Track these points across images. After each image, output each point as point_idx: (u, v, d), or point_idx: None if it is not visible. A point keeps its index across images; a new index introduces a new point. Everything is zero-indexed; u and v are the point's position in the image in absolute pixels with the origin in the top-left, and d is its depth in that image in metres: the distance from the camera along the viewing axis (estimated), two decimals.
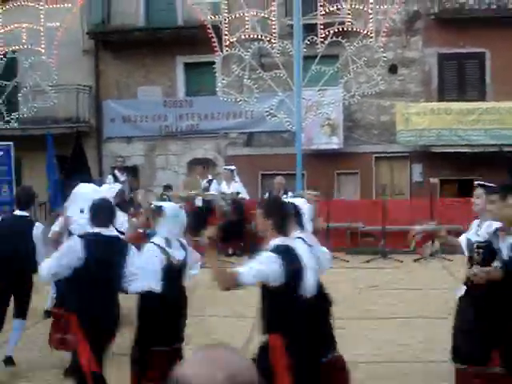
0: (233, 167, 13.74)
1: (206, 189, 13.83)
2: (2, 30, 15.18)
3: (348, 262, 12.44)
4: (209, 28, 13.54)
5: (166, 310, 5.07)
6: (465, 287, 5.24)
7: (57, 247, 5.39)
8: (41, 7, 14.98)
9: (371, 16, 13.31)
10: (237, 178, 13.41)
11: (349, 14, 13.31)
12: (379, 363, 6.63)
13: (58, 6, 15.07)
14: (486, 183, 5.51)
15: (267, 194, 12.15)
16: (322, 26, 13.24)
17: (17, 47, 15.32)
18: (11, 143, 14.39)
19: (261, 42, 13.72)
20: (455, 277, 10.98)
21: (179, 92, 19.00)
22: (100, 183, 9.63)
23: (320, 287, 4.80)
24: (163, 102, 18.54)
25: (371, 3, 13.16)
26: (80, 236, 5.10)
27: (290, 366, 3.98)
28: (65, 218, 6.53)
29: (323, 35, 13.19)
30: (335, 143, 17.48)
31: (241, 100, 14.14)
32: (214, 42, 13.53)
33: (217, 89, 14.43)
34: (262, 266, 4.08)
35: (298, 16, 13.03)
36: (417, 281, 10.79)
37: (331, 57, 14.73)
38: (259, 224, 4.42)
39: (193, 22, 16.79)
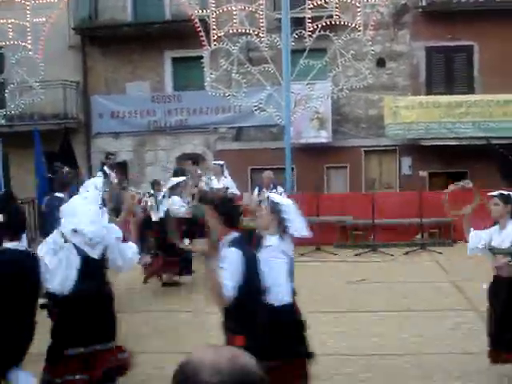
0: (222, 162, 13.69)
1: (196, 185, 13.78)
2: None
3: (337, 255, 12.46)
4: (196, 22, 13.49)
5: (79, 309, 4.93)
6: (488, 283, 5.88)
7: None
8: (27, 2, 14.88)
9: (359, 9, 13.31)
10: (226, 173, 13.37)
11: (337, 7, 13.29)
12: (370, 356, 6.65)
13: (45, 1, 14.97)
14: (503, 192, 6.11)
15: (257, 189, 12.10)
16: (309, 20, 13.22)
17: (3, 43, 15.21)
18: None
19: (249, 36, 13.68)
20: (445, 269, 11.05)
21: (167, 87, 18.93)
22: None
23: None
24: (151, 97, 18.46)
25: None
26: None
27: None
28: None
29: (311, 29, 13.17)
30: (324, 137, 17.48)
31: (229, 94, 14.11)
32: (202, 37, 13.48)
33: (205, 83, 14.39)
34: (235, 274, 4.14)
35: (286, 10, 13.01)
36: (407, 274, 10.82)
37: (319, 50, 14.72)
38: (210, 221, 4.48)
39: (181, 17, 16.72)
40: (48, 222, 8.03)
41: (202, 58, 14.03)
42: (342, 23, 13.44)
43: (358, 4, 13.27)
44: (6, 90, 15.72)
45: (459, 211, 6.42)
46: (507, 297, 5.50)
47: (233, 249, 4.21)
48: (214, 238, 4.41)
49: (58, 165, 12.48)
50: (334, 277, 10.57)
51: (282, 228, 4.78)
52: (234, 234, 4.37)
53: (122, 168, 16.62)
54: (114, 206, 7.13)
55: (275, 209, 4.81)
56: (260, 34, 13.45)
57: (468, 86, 17.98)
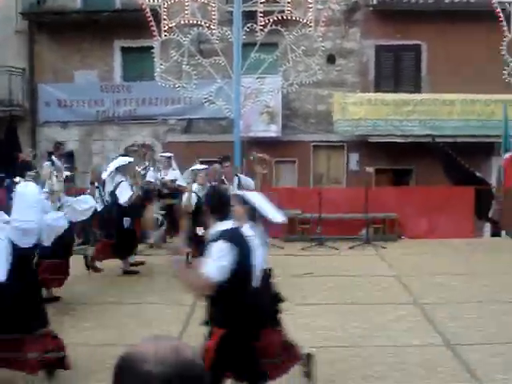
0: (170, 154, 13.61)
1: (143, 176, 13.66)
2: None
3: (283, 248, 12.53)
4: (147, 12, 13.34)
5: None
6: None
7: None
8: None
9: (311, 5, 13.39)
10: (174, 165, 13.30)
11: (289, 2, 13.33)
12: (317, 349, 6.72)
13: None
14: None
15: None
16: (261, 14, 13.23)
17: None
18: None
19: (200, 28, 13.61)
20: (389, 264, 11.26)
21: (116, 77, 18.70)
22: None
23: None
24: (100, 86, 18.20)
25: None
26: None
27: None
28: None
29: (263, 23, 13.19)
30: (273, 131, 17.57)
31: (179, 86, 14.02)
32: (153, 27, 13.34)
33: (155, 74, 14.25)
34: (223, 261, 4.10)
35: (238, 3, 12.99)
36: (352, 268, 10.97)
37: (270, 45, 14.75)
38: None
39: (131, 6, 16.52)
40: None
41: (152, 48, 13.91)
42: (294, 18, 13.49)
43: (309, 0, 13.35)
44: None
45: None
46: None
47: (221, 240, 4.18)
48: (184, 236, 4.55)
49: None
50: (280, 270, 10.64)
51: (253, 217, 4.90)
52: (225, 226, 4.35)
53: (68, 158, 16.35)
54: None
55: (245, 201, 4.92)
56: (211, 27, 13.39)
57: (415, 84, 18.33)
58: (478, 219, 14.77)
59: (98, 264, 10.09)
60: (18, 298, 5.10)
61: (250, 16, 13.70)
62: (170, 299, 8.67)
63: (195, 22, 13.51)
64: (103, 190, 13.29)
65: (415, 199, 14.36)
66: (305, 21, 13.34)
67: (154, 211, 11.18)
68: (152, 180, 13.53)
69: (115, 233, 10.07)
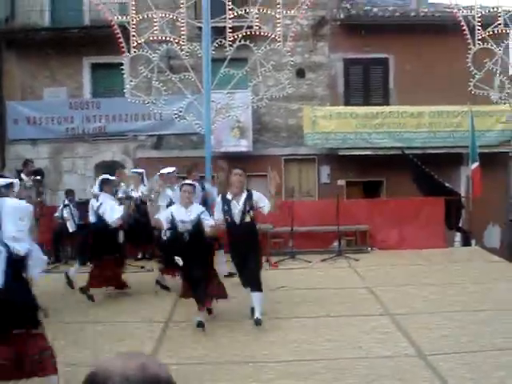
0: (141, 170, 13.56)
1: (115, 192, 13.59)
2: None
3: None
4: (116, 29, 13.31)
5: None
6: None
7: None
8: None
9: (279, 21, 13.48)
10: (146, 181, 13.24)
11: (257, 18, 13.42)
12: (289, 362, 6.73)
13: None
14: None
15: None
16: (230, 30, 13.29)
17: None
18: None
19: (169, 44, 13.62)
20: (361, 276, 11.32)
21: (86, 93, 18.61)
22: None
23: None
24: (69, 103, 18.08)
25: (279, 8, 13.32)
26: None
27: None
28: None
29: (232, 38, 13.25)
30: (244, 146, 17.61)
31: (149, 102, 14.00)
32: (122, 43, 13.32)
33: (125, 90, 14.21)
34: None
35: (207, 19, 13.03)
36: (324, 280, 11.01)
37: (240, 60, 14.83)
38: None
39: (100, 23, 16.48)
40: None
41: (121, 64, 13.84)
42: (262, 34, 13.57)
43: (277, 15, 13.45)
44: None
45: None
46: None
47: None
48: None
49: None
50: None
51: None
52: None
53: (38, 175, 16.19)
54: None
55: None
56: (181, 42, 13.41)
57: (383, 97, 18.55)
58: (448, 229, 14.94)
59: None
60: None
61: (218, 32, 13.76)
62: (143, 317, 8.62)
63: (164, 37, 13.52)
64: (76, 210, 13.23)
65: (386, 211, 14.49)
66: (273, 36, 13.42)
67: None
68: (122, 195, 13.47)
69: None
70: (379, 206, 15.14)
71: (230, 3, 13.35)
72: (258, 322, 7.79)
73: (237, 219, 8.07)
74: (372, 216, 14.26)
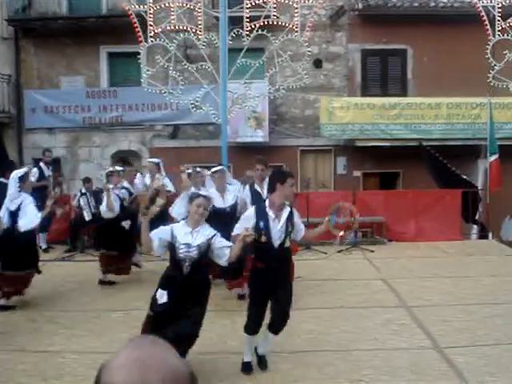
0: (158, 160, 13.56)
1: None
2: None
3: None
4: (133, 18, 13.31)
5: None
6: None
7: None
8: None
9: (297, 11, 13.40)
10: (162, 171, 13.26)
11: (274, 7, 13.34)
12: (304, 352, 6.73)
13: None
14: None
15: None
16: (247, 19, 13.23)
17: None
18: None
19: (186, 34, 13.59)
20: (377, 267, 11.29)
21: (103, 82, 18.64)
22: None
23: None
24: (86, 92, 18.13)
25: None
26: None
27: None
28: None
29: (249, 28, 13.19)
30: (261, 136, 17.58)
31: (166, 92, 13.99)
32: (139, 33, 13.31)
33: (141, 80, 14.22)
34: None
35: (224, 8, 12.99)
36: (340, 271, 10.99)
37: (257, 50, 14.77)
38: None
39: (117, 12, 16.50)
40: None
41: (138, 54, 13.83)
42: (280, 24, 13.50)
43: (295, 5, 13.36)
44: None
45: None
46: None
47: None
48: None
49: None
50: None
51: None
52: None
53: (56, 164, 16.29)
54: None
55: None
56: (198, 32, 13.37)
57: (401, 88, 18.41)
58: (465, 222, 14.84)
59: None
60: None
61: (236, 21, 13.71)
62: None
63: (181, 27, 13.48)
64: (92, 198, 13.29)
65: (402, 203, 14.41)
66: (291, 26, 13.35)
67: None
68: (140, 186, 13.52)
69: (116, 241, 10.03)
70: (396, 197, 15.04)
71: None
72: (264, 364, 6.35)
73: (276, 241, 6.09)
74: (388, 208, 14.20)
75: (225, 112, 13.03)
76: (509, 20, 13.17)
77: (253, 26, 13.19)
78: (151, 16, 13.32)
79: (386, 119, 17.02)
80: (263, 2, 13.42)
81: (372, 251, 12.76)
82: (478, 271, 10.69)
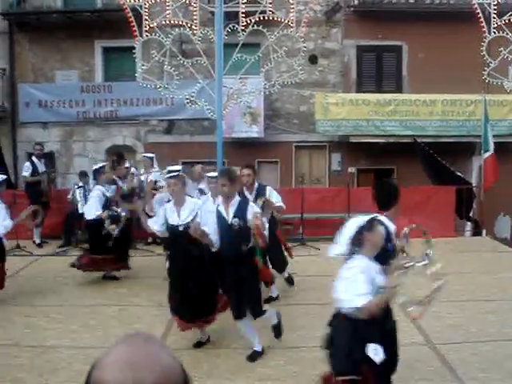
0: (152, 155, 13.57)
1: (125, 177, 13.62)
2: None
3: None
4: (128, 12, 13.26)
5: None
6: None
7: None
8: None
9: (292, 6, 13.38)
10: (156, 166, 13.25)
11: (270, 3, 13.32)
12: (297, 348, 6.75)
13: None
14: None
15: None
16: (243, 15, 13.21)
17: None
18: None
19: (182, 29, 13.56)
20: None
21: (98, 77, 18.58)
22: None
23: None
24: (81, 86, 18.07)
25: None
26: None
27: None
28: None
29: (244, 23, 13.17)
30: (256, 132, 17.57)
31: (161, 86, 13.95)
32: (134, 27, 13.27)
33: (136, 74, 14.18)
34: None
35: (220, 3, 12.96)
36: (333, 267, 10.98)
37: (252, 45, 14.77)
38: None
39: (112, 6, 16.45)
40: None
41: (133, 48, 13.80)
42: (276, 19, 13.49)
43: (291, 1, 13.34)
44: None
45: None
46: None
47: None
48: None
49: None
50: None
51: None
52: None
53: (49, 158, 16.25)
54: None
55: None
56: (193, 27, 13.33)
57: (396, 84, 18.42)
58: (459, 218, 14.88)
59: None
60: None
61: (231, 16, 13.69)
62: (152, 301, 8.65)
63: (177, 22, 13.45)
64: (89, 192, 13.26)
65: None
66: (286, 21, 13.33)
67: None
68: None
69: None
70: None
71: None
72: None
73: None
74: None
75: (220, 107, 13.01)
76: (504, 17, 13.19)
77: (248, 22, 13.17)
78: (146, 10, 13.28)
79: (381, 115, 17.03)
80: None
81: None
82: (471, 268, 10.73)
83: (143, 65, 13.66)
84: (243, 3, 13.24)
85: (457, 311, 7.99)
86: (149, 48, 14.65)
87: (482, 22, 13.21)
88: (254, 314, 6.44)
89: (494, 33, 13.26)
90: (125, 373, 1.26)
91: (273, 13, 13.28)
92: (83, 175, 13.71)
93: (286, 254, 9.15)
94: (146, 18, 13.26)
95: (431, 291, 5.09)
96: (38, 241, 13.05)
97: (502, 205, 16.63)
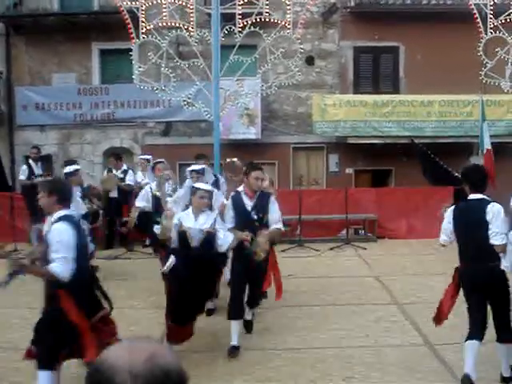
0: (149, 156, 13.57)
1: (122, 179, 13.63)
2: None
3: None
4: (125, 14, 13.26)
5: None
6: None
7: None
8: None
9: (289, 8, 13.39)
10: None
11: (267, 4, 13.33)
12: (297, 350, 6.74)
13: None
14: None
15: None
16: (240, 16, 13.21)
17: None
18: None
19: (178, 31, 13.56)
20: (369, 265, 11.31)
21: (95, 79, 18.56)
22: None
23: None
24: (78, 89, 18.04)
25: None
26: None
27: None
28: None
29: (241, 25, 13.17)
30: (253, 133, 17.56)
31: (158, 88, 13.95)
32: (131, 29, 13.27)
33: (133, 76, 14.17)
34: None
35: (217, 5, 12.96)
36: (332, 269, 11.00)
37: (249, 47, 14.75)
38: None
39: (109, 8, 16.43)
40: None
41: (130, 50, 13.79)
42: (272, 21, 13.49)
43: (287, 2, 13.35)
44: None
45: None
46: None
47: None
48: None
49: None
50: None
51: None
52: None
53: (46, 161, 16.22)
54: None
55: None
56: (190, 29, 13.33)
57: (394, 85, 18.42)
58: None
59: None
60: None
61: (228, 18, 13.68)
62: (150, 303, 8.64)
63: (173, 24, 13.45)
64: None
65: (395, 200, 14.44)
66: (283, 23, 13.34)
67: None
68: (131, 183, 13.52)
69: None
70: (388, 194, 15.07)
71: None
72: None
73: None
74: (380, 205, 14.22)
75: (217, 109, 13.01)
76: (501, 17, 13.21)
77: (245, 23, 13.17)
78: (143, 12, 13.28)
79: (379, 116, 17.01)
80: None
81: (364, 248, 12.78)
82: None
83: (140, 67, 13.66)
84: (240, 5, 13.24)
85: (455, 312, 7.97)
86: (145, 50, 14.63)
87: (478, 23, 13.24)
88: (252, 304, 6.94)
89: (491, 33, 13.29)
90: (122, 352, 1.42)
91: (269, 14, 13.28)
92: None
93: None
94: (143, 20, 13.26)
95: None
96: (36, 243, 13.01)
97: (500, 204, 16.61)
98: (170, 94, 13.83)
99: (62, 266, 4.84)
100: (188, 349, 6.58)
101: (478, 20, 13.22)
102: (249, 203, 6.86)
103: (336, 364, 6.25)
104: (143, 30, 13.21)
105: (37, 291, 9.33)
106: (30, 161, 13.53)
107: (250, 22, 13.16)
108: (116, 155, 14.49)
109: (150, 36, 13.28)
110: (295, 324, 7.62)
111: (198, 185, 6.91)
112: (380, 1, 17.84)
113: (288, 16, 13.34)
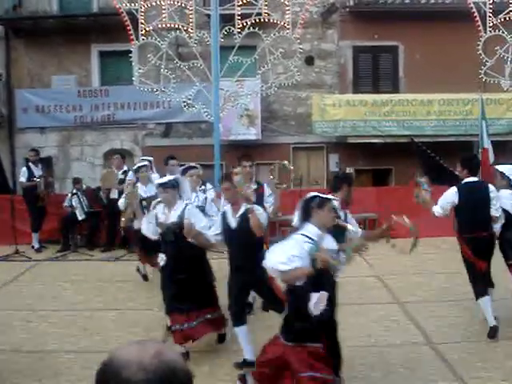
0: (150, 158, 13.56)
1: (122, 180, 13.61)
2: None
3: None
4: (125, 16, 13.28)
5: None
6: None
7: None
8: None
9: (288, 8, 13.41)
10: (154, 170, 13.23)
11: (266, 5, 13.35)
12: None
13: None
14: None
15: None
16: (239, 17, 13.24)
17: None
18: None
19: (178, 32, 13.58)
20: (370, 264, 11.30)
21: (94, 81, 18.57)
22: None
23: None
24: (77, 91, 18.06)
25: None
26: None
27: None
28: None
29: (240, 26, 13.19)
30: (253, 134, 17.57)
31: (157, 90, 13.97)
32: (130, 31, 13.30)
33: (133, 78, 14.19)
34: None
35: (216, 6, 12.99)
36: None
37: (249, 47, 14.77)
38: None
39: (108, 10, 16.44)
40: None
41: (130, 52, 13.81)
42: (271, 21, 13.51)
43: (286, 2, 13.37)
44: None
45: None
46: None
47: None
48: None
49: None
50: None
51: None
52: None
53: (47, 163, 16.23)
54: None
55: None
56: (189, 30, 13.37)
57: (393, 85, 18.43)
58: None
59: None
60: None
61: (227, 19, 13.71)
62: (153, 305, 8.64)
63: (173, 25, 13.48)
64: (84, 197, 13.29)
65: (395, 199, 14.41)
66: (282, 23, 13.36)
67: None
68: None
69: None
70: (388, 194, 15.06)
71: None
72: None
73: None
74: (381, 204, 14.21)
75: (217, 110, 13.04)
76: (500, 16, 13.22)
77: (244, 24, 13.20)
78: (142, 14, 13.31)
79: (378, 116, 17.02)
80: (254, 0, 13.43)
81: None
82: None
83: (140, 68, 13.69)
84: (239, 5, 13.27)
85: (457, 310, 7.99)
86: (145, 51, 14.65)
87: (477, 21, 13.26)
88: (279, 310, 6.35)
89: (490, 32, 13.30)
90: (130, 349, 1.50)
91: (268, 15, 13.31)
92: (77, 182, 13.76)
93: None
94: (142, 21, 13.29)
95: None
96: (36, 246, 13.04)
97: None
98: (170, 95, 13.86)
99: None
100: (188, 349, 6.59)
101: (478, 19, 13.23)
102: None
103: (348, 362, 6.25)
104: (142, 32, 13.24)
105: (37, 293, 9.38)
106: (30, 163, 13.54)
107: (249, 23, 13.19)
108: (121, 154, 14.50)
109: (149, 37, 13.31)
110: None
111: (158, 181, 7.01)
112: (379, 0, 17.85)
113: (287, 16, 13.37)
